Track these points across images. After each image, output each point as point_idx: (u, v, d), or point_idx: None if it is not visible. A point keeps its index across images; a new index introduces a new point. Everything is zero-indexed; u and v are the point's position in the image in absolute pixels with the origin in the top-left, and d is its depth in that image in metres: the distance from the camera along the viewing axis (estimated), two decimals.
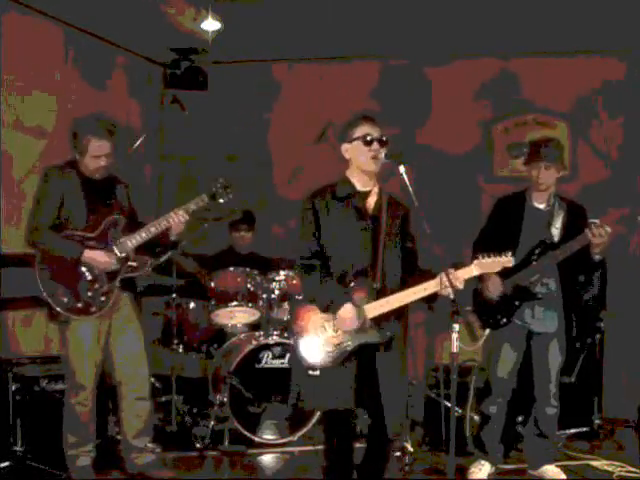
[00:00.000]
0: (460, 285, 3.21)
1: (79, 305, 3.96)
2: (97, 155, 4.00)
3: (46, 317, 4.02)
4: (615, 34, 5.56)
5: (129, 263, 4.11)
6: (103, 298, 4.02)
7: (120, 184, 4.25)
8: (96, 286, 4.01)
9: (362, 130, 3.39)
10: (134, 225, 4.17)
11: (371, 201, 3.45)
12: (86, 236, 4.02)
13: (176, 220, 4.08)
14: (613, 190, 5.80)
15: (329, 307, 3.33)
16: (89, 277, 4.00)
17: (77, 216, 4.02)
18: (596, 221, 4.13)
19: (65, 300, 3.94)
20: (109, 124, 4.09)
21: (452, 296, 3.14)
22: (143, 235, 4.09)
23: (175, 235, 4.17)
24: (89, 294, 3.99)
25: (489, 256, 3.33)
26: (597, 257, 3.98)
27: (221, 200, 4.27)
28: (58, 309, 3.92)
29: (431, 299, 3.36)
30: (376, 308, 3.32)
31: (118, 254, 4.05)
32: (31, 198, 5.07)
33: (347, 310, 3.29)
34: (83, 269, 3.99)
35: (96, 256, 3.99)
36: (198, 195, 4.21)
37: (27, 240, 4.02)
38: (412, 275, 3.42)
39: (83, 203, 4.04)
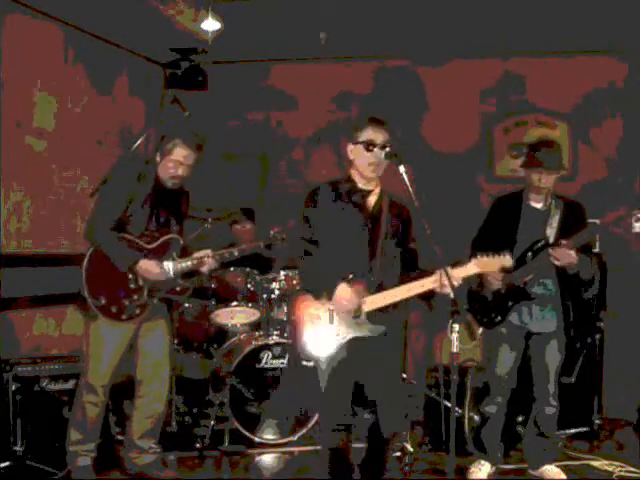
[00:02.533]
0: (457, 283, 3.19)
1: (112, 309, 3.90)
2: (178, 160, 3.94)
3: (76, 309, 3.98)
4: (616, 34, 5.55)
5: (173, 286, 4.06)
6: (138, 311, 3.96)
7: (186, 204, 4.22)
8: (135, 297, 3.95)
9: (366, 135, 3.39)
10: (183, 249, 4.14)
11: (372, 200, 3.47)
12: (142, 246, 3.96)
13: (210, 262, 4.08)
14: (612, 190, 5.80)
15: (324, 292, 3.32)
16: (132, 286, 3.94)
17: (137, 221, 3.95)
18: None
19: (102, 301, 3.88)
20: (200, 139, 4.05)
21: (452, 295, 3.13)
22: (195, 262, 4.04)
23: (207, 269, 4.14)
24: (126, 302, 3.93)
25: (488, 255, 3.33)
26: (570, 271, 4.02)
27: (273, 249, 4.43)
28: (91, 305, 3.87)
29: (428, 296, 3.35)
30: (373, 302, 3.33)
31: (171, 274, 4.00)
32: (30, 198, 5.11)
33: (344, 289, 3.28)
34: (130, 276, 3.93)
35: (149, 267, 3.91)
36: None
37: (86, 236, 3.95)
38: (411, 274, 3.41)
39: (148, 210, 3.97)
